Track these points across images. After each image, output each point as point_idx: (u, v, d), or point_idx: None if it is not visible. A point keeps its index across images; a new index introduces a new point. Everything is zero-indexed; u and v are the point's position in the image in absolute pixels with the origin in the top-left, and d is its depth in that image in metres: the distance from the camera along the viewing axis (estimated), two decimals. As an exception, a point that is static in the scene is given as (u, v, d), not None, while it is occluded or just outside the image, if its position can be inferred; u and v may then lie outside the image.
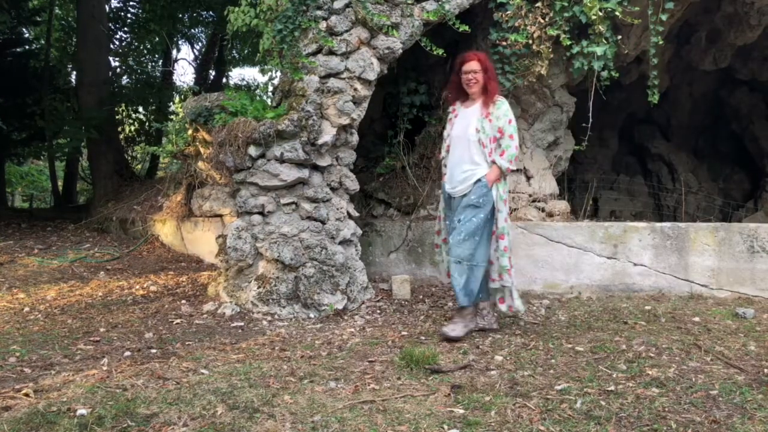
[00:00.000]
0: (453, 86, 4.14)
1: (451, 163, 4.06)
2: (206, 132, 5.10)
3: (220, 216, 6.62)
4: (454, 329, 3.85)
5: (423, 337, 3.96)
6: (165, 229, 7.72)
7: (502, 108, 3.96)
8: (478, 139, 3.92)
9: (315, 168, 4.80)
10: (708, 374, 3.12)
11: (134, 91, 13.65)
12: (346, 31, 4.75)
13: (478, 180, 3.90)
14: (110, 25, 12.91)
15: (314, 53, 4.78)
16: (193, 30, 16.20)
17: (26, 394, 2.82)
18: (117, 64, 14.27)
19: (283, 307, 4.52)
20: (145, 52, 15.21)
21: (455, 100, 4.19)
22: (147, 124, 14.01)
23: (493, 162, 3.90)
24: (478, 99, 4.03)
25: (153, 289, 5.48)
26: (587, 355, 3.49)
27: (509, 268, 3.96)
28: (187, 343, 3.84)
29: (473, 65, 3.97)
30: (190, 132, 5.57)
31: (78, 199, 15.60)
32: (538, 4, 5.15)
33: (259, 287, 4.58)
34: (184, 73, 40.91)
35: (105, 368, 3.26)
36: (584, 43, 5.16)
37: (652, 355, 3.47)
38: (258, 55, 5.23)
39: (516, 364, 3.36)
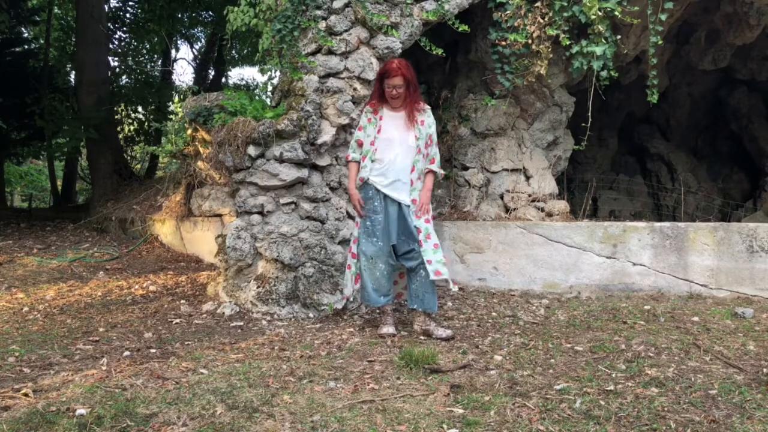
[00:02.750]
0: (375, 93, 4.20)
1: (394, 167, 4.05)
2: (205, 132, 5.10)
3: (220, 216, 6.61)
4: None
5: (422, 337, 3.96)
6: (164, 229, 7.72)
7: (432, 115, 4.18)
8: (417, 147, 4.09)
9: (314, 168, 4.80)
10: (707, 374, 3.13)
11: (133, 90, 13.66)
12: (346, 30, 4.75)
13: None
14: (109, 24, 12.91)
15: (313, 53, 4.78)
16: (192, 30, 16.21)
17: (25, 394, 2.82)
18: (116, 63, 14.29)
19: (283, 307, 4.52)
20: (145, 51, 15.21)
21: (376, 105, 4.19)
22: (146, 123, 14.02)
23: (429, 171, 4.13)
24: (402, 108, 4.12)
25: (152, 288, 5.48)
26: (586, 355, 3.50)
27: None
28: (186, 342, 3.84)
29: (397, 81, 4.00)
30: (189, 132, 5.57)
31: (77, 198, 15.60)
32: (538, 3, 5.15)
33: (258, 287, 4.58)
34: (184, 73, 41.02)
35: (104, 368, 3.26)
36: (583, 42, 5.16)
37: (652, 354, 3.47)
38: (257, 54, 5.23)
39: (515, 363, 3.37)
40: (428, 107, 4.21)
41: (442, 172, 4.31)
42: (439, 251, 4.00)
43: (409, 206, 4.04)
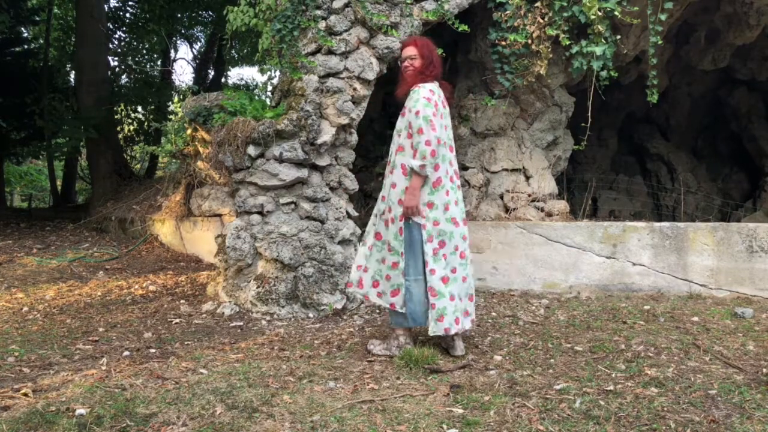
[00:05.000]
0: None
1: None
2: (205, 131, 5.10)
3: (219, 215, 6.61)
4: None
5: (422, 337, 3.96)
6: (164, 229, 7.72)
7: (415, 97, 3.40)
8: (398, 144, 3.51)
9: (314, 168, 4.80)
10: (707, 374, 3.13)
11: (133, 90, 13.66)
12: (346, 30, 4.75)
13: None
14: (109, 24, 12.92)
15: (313, 53, 4.78)
16: (192, 29, 16.21)
17: (25, 394, 2.82)
18: (116, 63, 14.30)
19: (282, 307, 4.51)
20: (144, 51, 15.22)
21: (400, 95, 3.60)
22: (146, 123, 14.02)
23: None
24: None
25: (152, 288, 5.48)
26: (586, 355, 3.50)
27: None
28: (186, 342, 3.84)
29: (410, 50, 3.53)
30: (189, 131, 5.57)
31: (77, 198, 15.60)
32: (537, 3, 5.15)
33: (258, 287, 4.58)
34: (183, 73, 41.07)
35: (104, 368, 3.25)
36: (583, 42, 5.16)
37: (651, 354, 3.47)
38: (257, 54, 5.23)
39: (515, 363, 3.36)
40: (417, 88, 3.44)
41: (414, 164, 3.33)
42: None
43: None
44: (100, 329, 4.16)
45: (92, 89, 10.76)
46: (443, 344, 3.60)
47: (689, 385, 2.96)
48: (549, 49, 5.22)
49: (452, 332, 3.41)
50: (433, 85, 3.49)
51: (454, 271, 3.44)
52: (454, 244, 3.45)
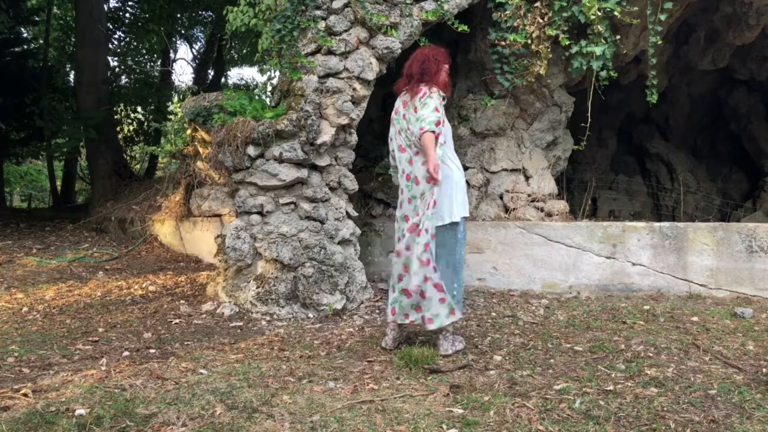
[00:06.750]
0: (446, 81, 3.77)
1: None
2: (205, 132, 5.10)
3: (219, 216, 6.61)
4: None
5: (422, 337, 3.96)
6: (164, 229, 7.72)
7: None
8: None
9: (314, 168, 4.80)
10: (706, 374, 3.13)
11: (133, 90, 13.66)
12: (345, 30, 4.75)
13: None
14: (109, 24, 12.92)
15: (313, 53, 4.78)
16: (191, 30, 16.21)
17: (25, 395, 2.82)
18: (116, 63, 14.30)
19: (282, 307, 4.52)
20: (144, 51, 15.21)
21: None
22: (146, 123, 14.02)
23: None
24: None
25: (152, 289, 5.48)
26: (586, 355, 3.50)
27: None
28: (185, 343, 3.84)
29: None
30: (188, 132, 5.58)
31: (76, 198, 15.59)
32: (537, 4, 5.15)
33: (257, 287, 4.58)
34: (183, 73, 41.10)
35: (103, 368, 3.25)
36: (583, 43, 5.16)
37: (651, 354, 3.47)
38: (257, 54, 5.23)
39: (515, 363, 3.37)
40: None
41: None
42: None
43: None
44: (100, 329, 4.16)
45: (92, 89, 10.75)
46: None
47: (689, 385, 2.96)
48: (548, 49, 5.22)
49: (388, 320, 3.73)
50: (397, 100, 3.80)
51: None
52: (397, 237, 3.73)
